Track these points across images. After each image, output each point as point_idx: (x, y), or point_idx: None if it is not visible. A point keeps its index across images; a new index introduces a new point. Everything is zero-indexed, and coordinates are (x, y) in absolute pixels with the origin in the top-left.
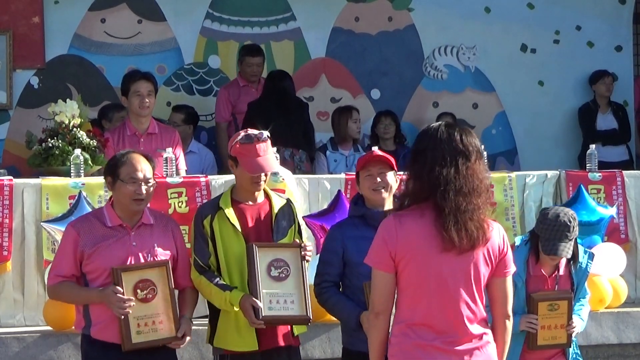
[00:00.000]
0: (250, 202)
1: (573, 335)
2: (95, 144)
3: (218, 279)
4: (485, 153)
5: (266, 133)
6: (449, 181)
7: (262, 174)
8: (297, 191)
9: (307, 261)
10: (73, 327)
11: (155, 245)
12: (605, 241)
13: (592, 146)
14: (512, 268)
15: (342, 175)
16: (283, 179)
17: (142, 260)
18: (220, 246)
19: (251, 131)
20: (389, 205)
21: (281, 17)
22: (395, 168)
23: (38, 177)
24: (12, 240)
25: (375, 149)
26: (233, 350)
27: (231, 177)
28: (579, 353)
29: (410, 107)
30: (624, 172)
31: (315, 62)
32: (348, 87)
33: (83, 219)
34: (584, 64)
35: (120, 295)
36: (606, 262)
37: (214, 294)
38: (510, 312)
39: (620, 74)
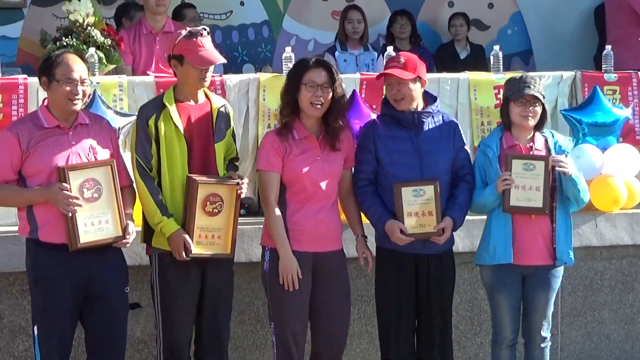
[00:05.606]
0: (192, 102)
1: (566, 173)
2: (109, 42)
3: (159, 194)
4: (500, 53)
5: (207, 29)
6: None
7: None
8: None
9: (242, 196)
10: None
11: (94, 143)
12: (620, 142)
13: (608, 47)
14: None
15: (357, 75)
16: None
17: (83, 159)
18: (163, 147)
19: (191, 28)
20: (414, 106)
21: None
22: (416, 74)
23: None
24: None
25: (390, 49)
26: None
27: (246, 76)
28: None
29: (425, 6)
30: None
31: None
32: None
33: (19, 123)
34: None
35: (67, 192)
36: (621, 163)
37: (150, 210)
38: None
39: None
